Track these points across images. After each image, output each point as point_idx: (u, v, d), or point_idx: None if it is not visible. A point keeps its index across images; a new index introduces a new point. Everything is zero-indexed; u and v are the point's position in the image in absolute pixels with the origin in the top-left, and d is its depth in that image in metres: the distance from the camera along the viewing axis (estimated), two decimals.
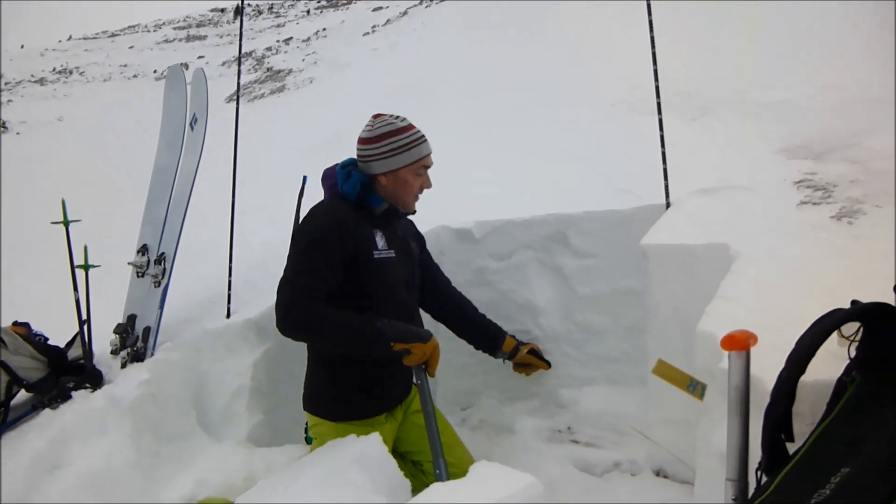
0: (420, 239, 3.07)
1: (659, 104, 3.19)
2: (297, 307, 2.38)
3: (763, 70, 4.65)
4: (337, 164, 2.72)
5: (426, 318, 3.05)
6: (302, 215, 2.77)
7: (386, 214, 2.70)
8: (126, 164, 6.49)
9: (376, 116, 2.68)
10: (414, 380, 2.58)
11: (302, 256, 2.47)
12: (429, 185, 2.73)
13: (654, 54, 3.15)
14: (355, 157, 2.70)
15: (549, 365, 3.44)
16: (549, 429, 3.43)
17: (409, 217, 2.90)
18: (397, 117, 2.67)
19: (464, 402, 3.80)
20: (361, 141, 2.66)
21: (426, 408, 2.52)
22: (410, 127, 2.65)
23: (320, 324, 2.38)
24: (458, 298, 3.22)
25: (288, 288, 2.41)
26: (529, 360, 3.37)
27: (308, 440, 3.12)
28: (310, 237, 2.49)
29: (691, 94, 4.61)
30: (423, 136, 2.67)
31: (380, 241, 2.62)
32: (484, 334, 3.26)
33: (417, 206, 2.78)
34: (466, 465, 2.16)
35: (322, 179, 2.76)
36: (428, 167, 2.70)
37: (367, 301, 2.53)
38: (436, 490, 1.87)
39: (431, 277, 3.12)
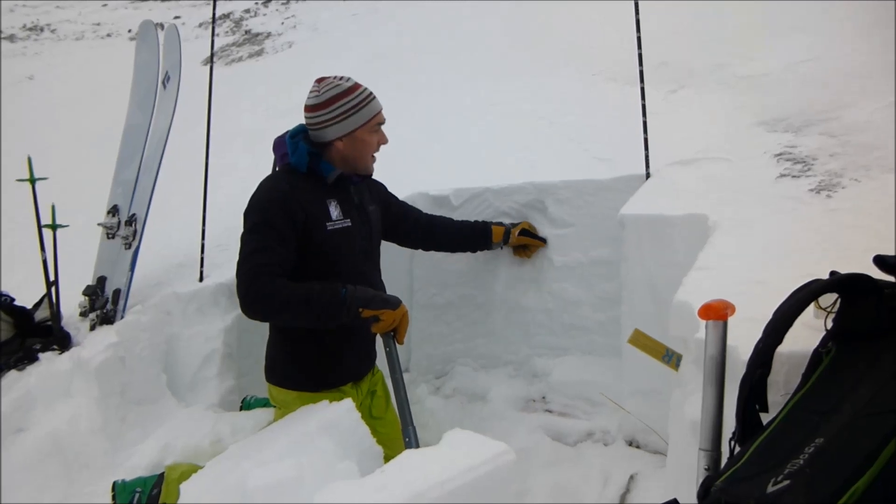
0: (380, 193, 2.97)
1: (641, 73, 3.15)
2: (254, 287, 2.33)
3: (742, 43, 4.63)
4: (287, 133, 2.61)
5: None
6: None
7: (340, 182, 2.59)
8: (97, 123, 6.36)
9: (320, 80, 2.56)
10: (383, 347, 2.54)
11: (251, 235, 2.41)
12: (385, 141, 2.63)
13: (637, 21, 3.11)
14: (304, 124, 2.61)
15: (544, 241, 3.46)
16: (522, 397, 3.43)
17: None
18: (342, 78, 2.55)
19: (438, 371, 3.80)
20: (309, 108, 2.54)
21: (395, 375, 2.48)
22: (357, 86, 2.55)
23: (281, 301, 2.33)
24: (434, 222, 3.20)
25: (242, 270, 2.36)
26: (523, 241, 3.40)
27: (246, 407, 3.11)
28: (257, 215, 2.43)
29: (671, 65, 4.57)
30: (372, 93, 2.58)
31: (333, 211, 2.54)
32: (473, 237, 3.28)
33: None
34: None
35: (273, 149, 2.66)
36: (382, 123, 2.60)
37: (326, 274, 2.47)
38: (408, 457, 1.86)
39: (405, 217, 3.08)
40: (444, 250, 3.33)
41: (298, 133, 2.59)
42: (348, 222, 2.57)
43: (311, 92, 2.55)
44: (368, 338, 2.60)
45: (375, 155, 2.65)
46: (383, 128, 2.62)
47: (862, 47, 3.94)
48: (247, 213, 2.47)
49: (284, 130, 2.63)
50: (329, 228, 2.51)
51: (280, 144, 2.61)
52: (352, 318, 2.38)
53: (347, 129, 2.52)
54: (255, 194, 2.51)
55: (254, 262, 2.35)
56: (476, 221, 3.33)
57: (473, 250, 3.35)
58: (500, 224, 3.34)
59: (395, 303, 2.48)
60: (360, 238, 2.65)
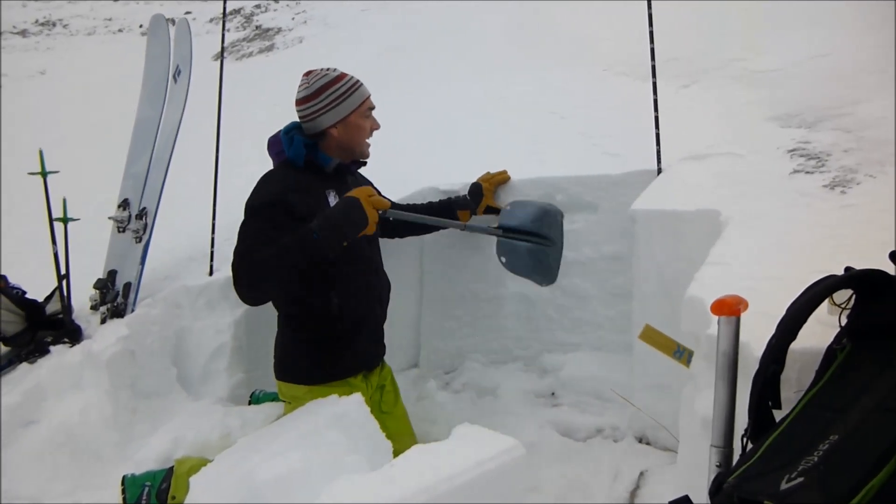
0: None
1: (654, 67, 3.13)
2: (241, 268, 2.35)
3: (755, 38, 4.59)
4: (281, 130, 2.66)
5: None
6: None
7: (338, 171, 2.65)
8: (109, 118, 6.37)
9: (307, 73, 2.63)
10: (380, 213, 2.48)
11: (247, 228, 2.43)
12: (377, 126, 2.70)
13: (650, 15, 3.08)
14: (296, 120, 2.66)
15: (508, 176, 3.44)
16: (532, 393, 3.42)
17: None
18: (328, 69, 2.63)
19: (448, 366, 3.78)
20: (301, 101, 2.60)
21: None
22: (344, 75, 2.63)
23: (265, 265, 2.32)
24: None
25: (235, 259, 2.38)
26: (490, 202, 3.31)
27: (255, 401, 3.11)
28: (256, 212, 2.45)
29: (684, 60, 4.54)
30: (359, 80, 2.65)
31: (332, 201, 2.57)
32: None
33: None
34: None
35: (268, 147, 2.70)
36: (372, 109, 2.67)
37: (331, 263, 2.46)
38: (417, 451, 1.85)
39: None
40: (416, 234, 3.29)
41: (292, 129, 2.64)
42: None
43: (300, 85, 2.62)
44: (379, 321, 2.60)
45: (369, 140, 2.70)
46: (374, 114, 2.69)
47: (873, 43, 3.91)
48: (246, 210, 2.48)
49: (277, 129, 2.67)
50: None
51: (275, 143, 2.66)
52: (335, 253, 2.38)
53: (341, 115, 2.58)
54: (255, 191, 2.53)
55: (242, 250, 2.38)
56: (440, 202, 3.23)
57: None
58: (465, 206, 3.21)
59: (351, 201, 2.41)
60: None
